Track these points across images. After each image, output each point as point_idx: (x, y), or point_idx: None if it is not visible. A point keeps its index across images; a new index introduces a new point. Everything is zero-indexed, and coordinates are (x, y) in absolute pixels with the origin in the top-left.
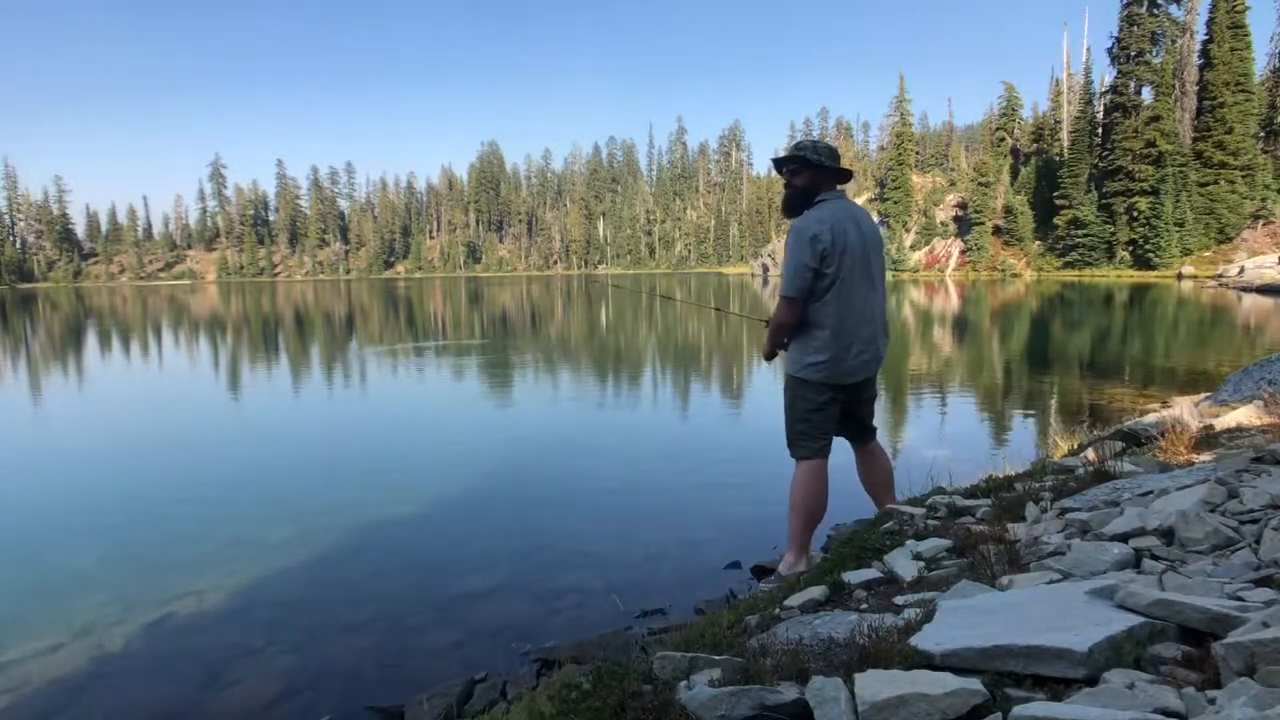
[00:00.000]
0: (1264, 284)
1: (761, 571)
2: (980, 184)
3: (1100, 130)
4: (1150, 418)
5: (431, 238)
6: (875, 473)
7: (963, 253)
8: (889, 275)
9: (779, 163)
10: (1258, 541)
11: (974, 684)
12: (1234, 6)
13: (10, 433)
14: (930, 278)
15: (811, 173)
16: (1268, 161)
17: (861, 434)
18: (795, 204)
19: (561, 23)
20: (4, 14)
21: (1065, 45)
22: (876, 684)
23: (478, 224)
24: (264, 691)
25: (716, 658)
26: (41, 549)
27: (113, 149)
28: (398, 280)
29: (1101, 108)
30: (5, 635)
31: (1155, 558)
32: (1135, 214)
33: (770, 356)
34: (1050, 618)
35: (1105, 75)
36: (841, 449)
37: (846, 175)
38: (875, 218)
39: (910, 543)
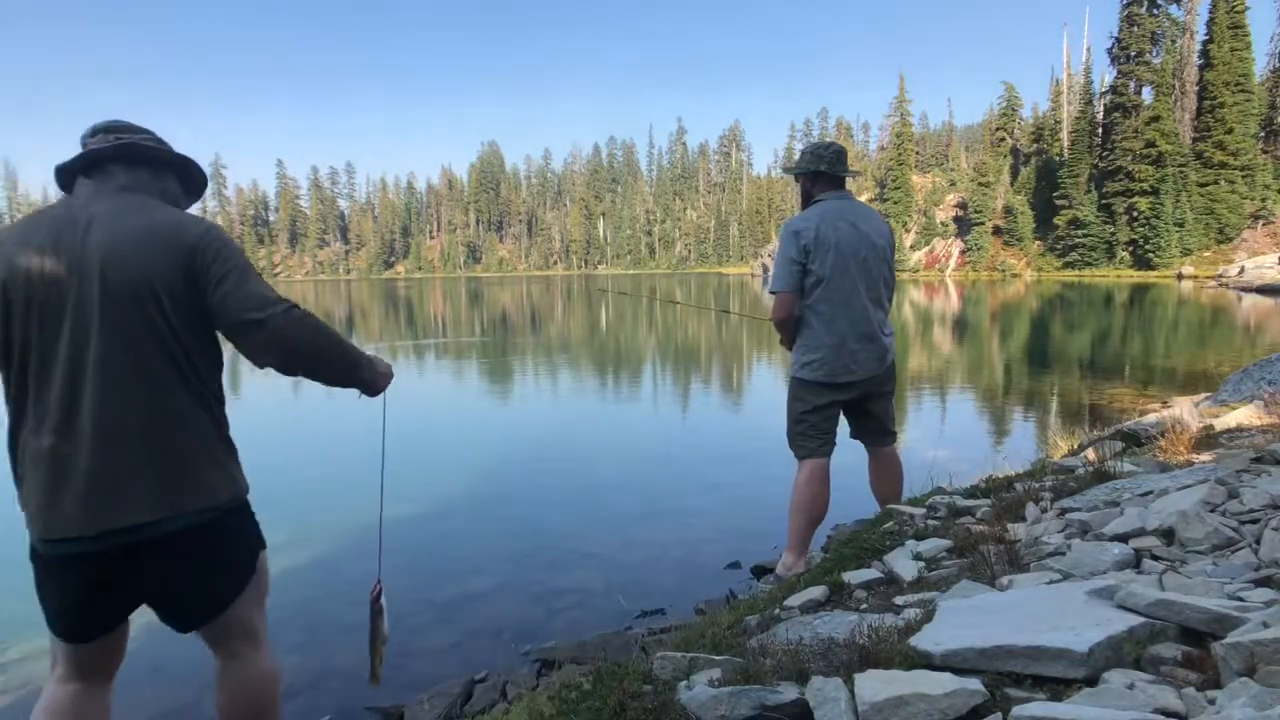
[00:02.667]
0: (1264, 284)
1: (761, 571)
2: (980, 184)
3: (1100, 130)
4: (1150, 418)
5: (431, 238)
6: (887, 483)
7: (963, 253)
8: None
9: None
10: (1258, 541)
11: (974, 684)
12: (1234, 6)
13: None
14: (930, 278)
15: (805, 177)
16: (1268, 161)
17: (878, 437)
18: (803, 206)
19: (562, 22)
20: (1, 13)
21: (1065, 45)
22: (876, 684)
23: (478, 224)
24: None
25: (716, 658)
26: None
27: None
28: (398, 280)
29: (1101, 108)
30: (5, 635)
31: (1155, 558)
32: (1135, 214)
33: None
34: (1050, 618)
35: (1105, 75)
36: (843, 450)
37: (838, 179)
38: None
39: (910, 543)
